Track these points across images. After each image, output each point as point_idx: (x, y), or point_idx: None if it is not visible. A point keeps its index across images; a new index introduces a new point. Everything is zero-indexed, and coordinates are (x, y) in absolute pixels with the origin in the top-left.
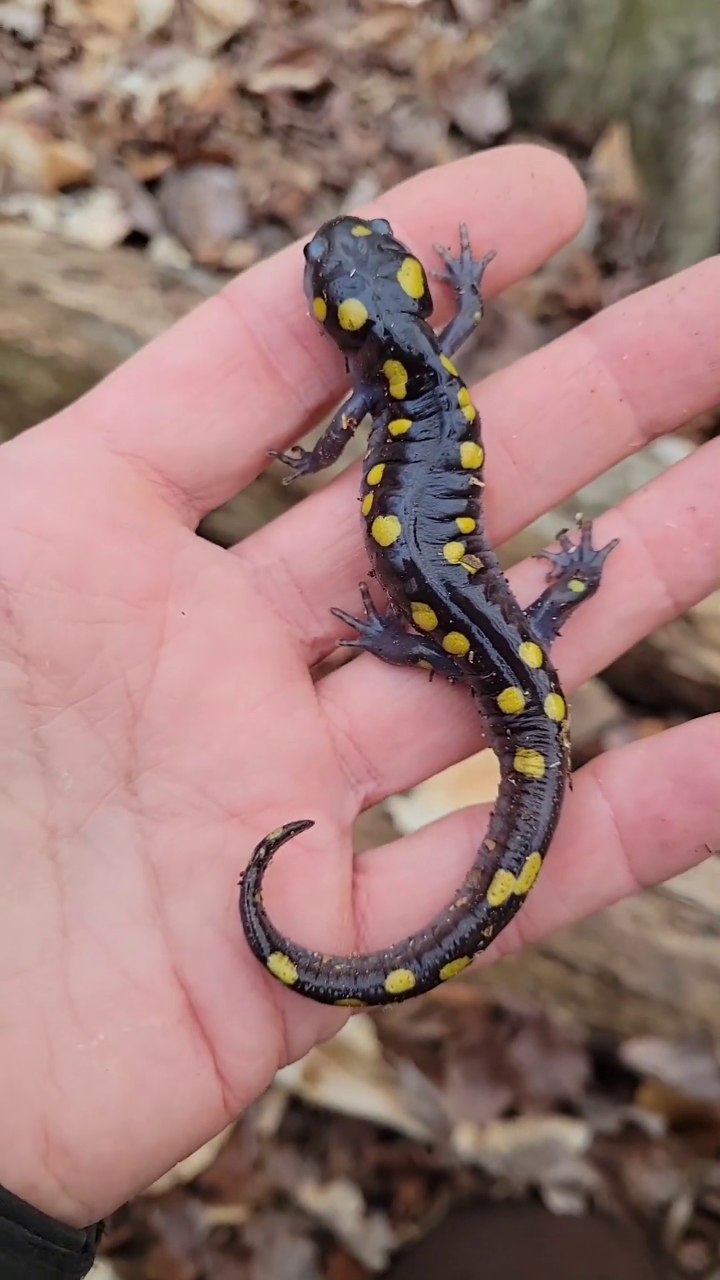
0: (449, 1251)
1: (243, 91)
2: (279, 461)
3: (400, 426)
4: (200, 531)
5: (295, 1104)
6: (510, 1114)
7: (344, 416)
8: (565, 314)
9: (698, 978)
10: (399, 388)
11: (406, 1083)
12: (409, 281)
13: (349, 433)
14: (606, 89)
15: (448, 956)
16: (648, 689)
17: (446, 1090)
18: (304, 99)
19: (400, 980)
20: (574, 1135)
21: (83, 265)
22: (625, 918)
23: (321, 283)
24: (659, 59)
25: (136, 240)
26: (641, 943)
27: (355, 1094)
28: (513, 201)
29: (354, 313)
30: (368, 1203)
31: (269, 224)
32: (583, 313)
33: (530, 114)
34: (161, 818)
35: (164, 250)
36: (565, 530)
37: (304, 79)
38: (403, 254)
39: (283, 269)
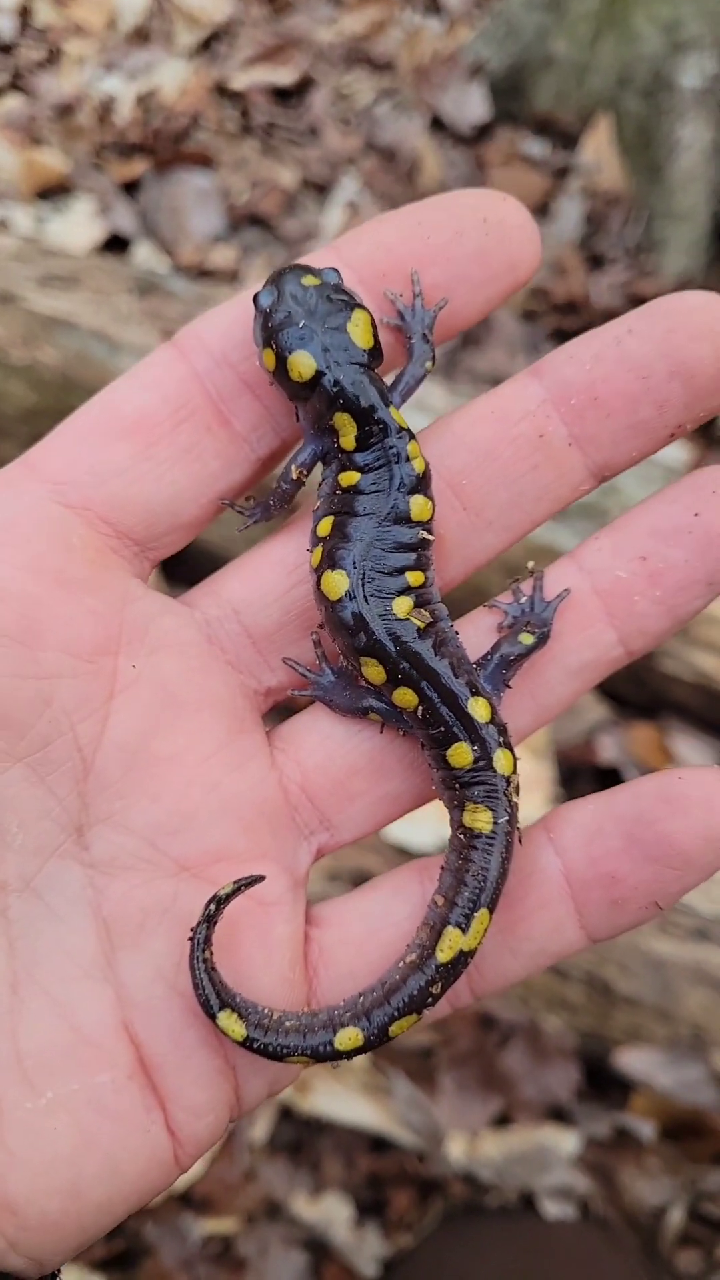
0: (442, 1260)
1: (222, 90)
2: (231, 511)
3: (349, 478)
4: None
5: (287, 1114)
6: (502, 1122)
7: (294, 467)
8: (552, 309)
9: (689, 983)
10: (348, 439)
11: (398, 1092)
12: (359, 332)
13: (299, 483)
14: (591, 77)
15: (396, 1014)
16: (638, 690)
17: (438, 1099)
18: (284, 96)
19: (349, 1038)
20: (566, 1142)
21: (59, 272)
22: None
23: (270, 333)
24: (644, 45)
25: (117, 245)
26: (632, 948)
27: (346, 1104)
28: (465, 247)
29: (303, 364)
30: (360, 1212)
31: (250, 225)
32: (569, 308)
33: (514, 105)
34: (113, 872)
35: (144, 254)
36: (516, 579)
37: (284, 76)
38: (352, 304)
39: (233, 316)
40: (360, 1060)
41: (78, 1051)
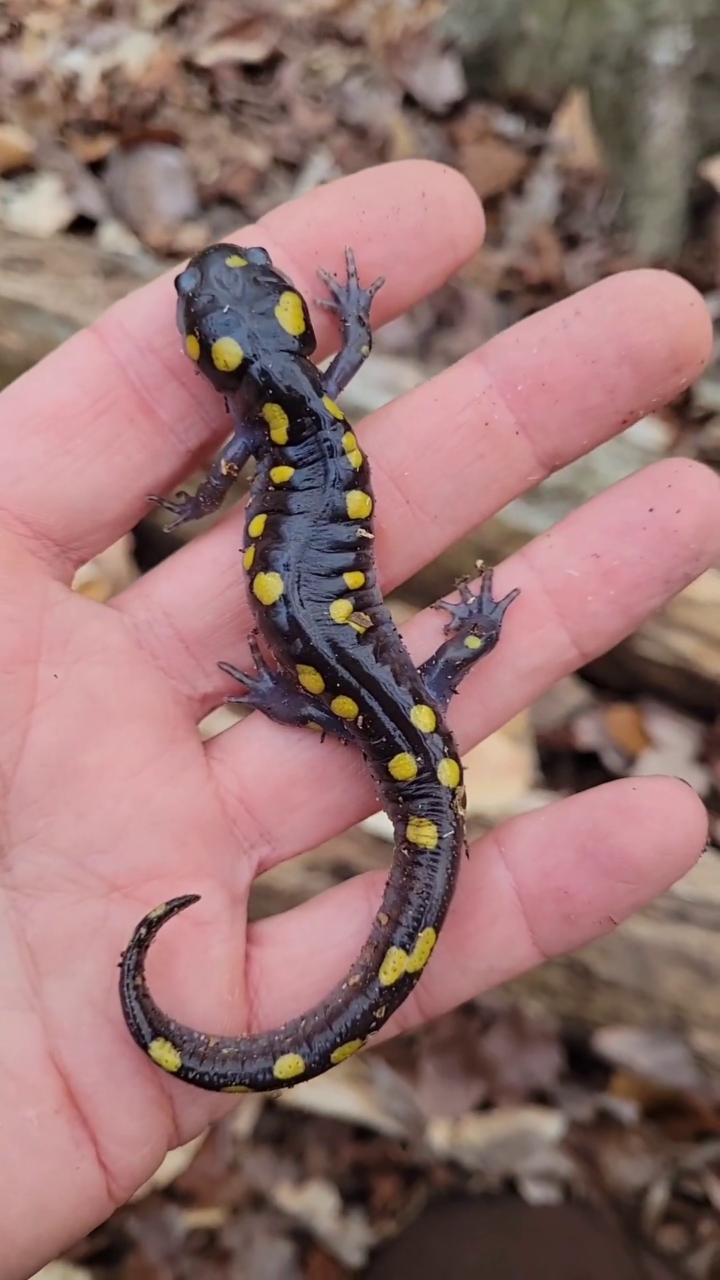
0: (426, 1247)
1: (189, 66)
2: (161, 508)
3: (282, 474)
4: (148, 526)
5: (270, 1105)
6: (485, 1107)
7: (224, 462)
8: (527, 289)
9: (668, 965)
10: (280, 432)
11: (380, 1080)
12: (288, 317)
13: (230, 478)
14: (564, 54)
15: (339, 1040)
16: (617, 673)
17: (420, 1086)
18: (253, 72)
19: (289, 1065)
20: (549, 1125)
21: (22, 254)
22: None
23: (193, 319)
24: (616, 21)
25: (84, 226)
26: (613, 932)
27: (329, 1093)
28: (403, 223)
29: (228, 352)
30: (345, 1201)
31: (220, 204)
32: (544, 288)
33: (487, 81)
34: (37, 894)
35: (112, 235)
36: (464, 579)
37: (252, 51)
38: (281, 286)
39: (156, 299)
40: None
41: (0, 1085)
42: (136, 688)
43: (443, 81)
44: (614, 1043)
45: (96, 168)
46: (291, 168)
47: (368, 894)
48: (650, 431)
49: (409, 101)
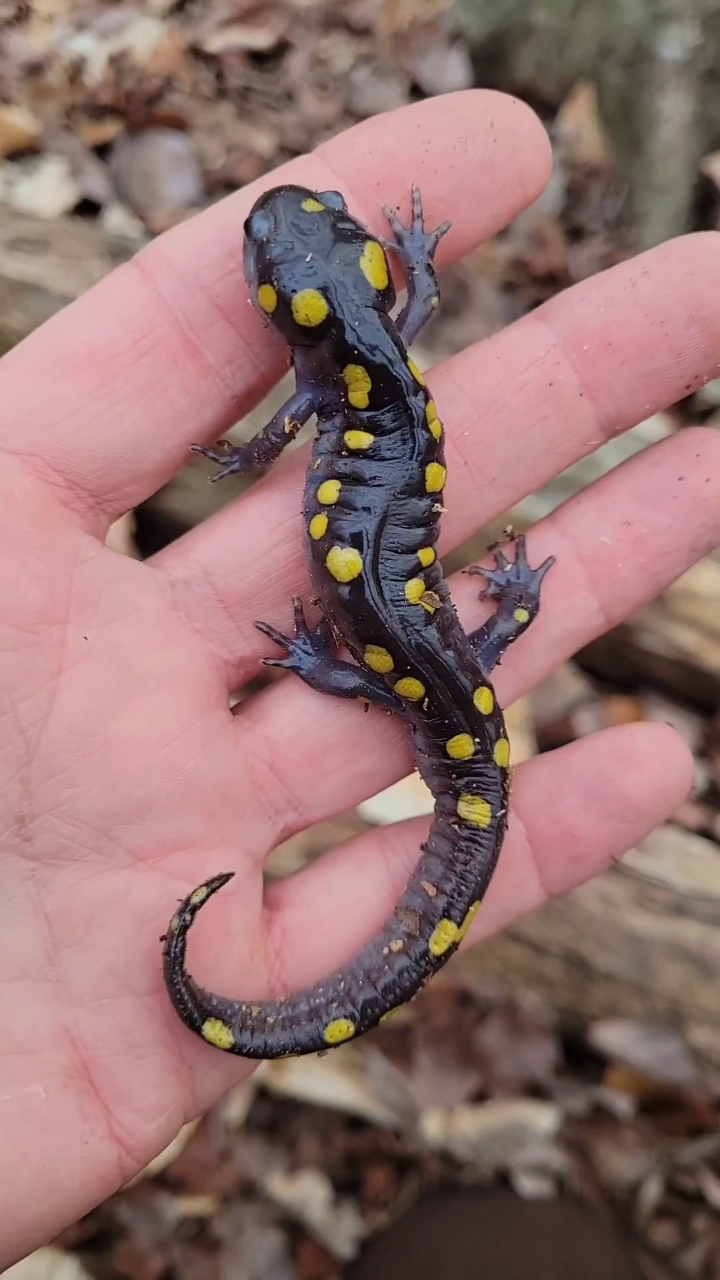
0: (416, 1238)
1: (196, 52)
2: (204, 458)
3: (359, 439)
4: (149, 509)
5: (263, 1094)
6: (479, 1099)
7: (286, 419)
8: (531, 281)
9: (666, 958)
10: (360, 396)
11: (374, 1070)
12: (372, 269)
13: (291, 436)
14: (572, 47)
15: (387, 1003)
16: (616, 665)
17: (414, 1076)
18: (260, 59)
19: (340, 1029)
20: (543, 1118)
21: (28, 235)
22: (593, 899)
23: (269, 267)
24: (625, 15)
25: (88, 209)
26: (609, 924)
27: (323, 1082)
28: (470, 155)
29: (310, 306)
30: (337, 1191)
31: (226, 190)
32: (548, 280)
33: (494, 74)
34: (59, 864)
35: (116, 219)
36: (496, 545)
37: (260, 38)
38: (364, 235)
39: (206, 231)
40: None
41: (8, 1060)
42: (170, 651)
43: (450, 72)
44: (610, 1036)
45: (102, 151)
46: (297, 155)
47: (383, 849)
48: (654, 424)
49: (416, 92)
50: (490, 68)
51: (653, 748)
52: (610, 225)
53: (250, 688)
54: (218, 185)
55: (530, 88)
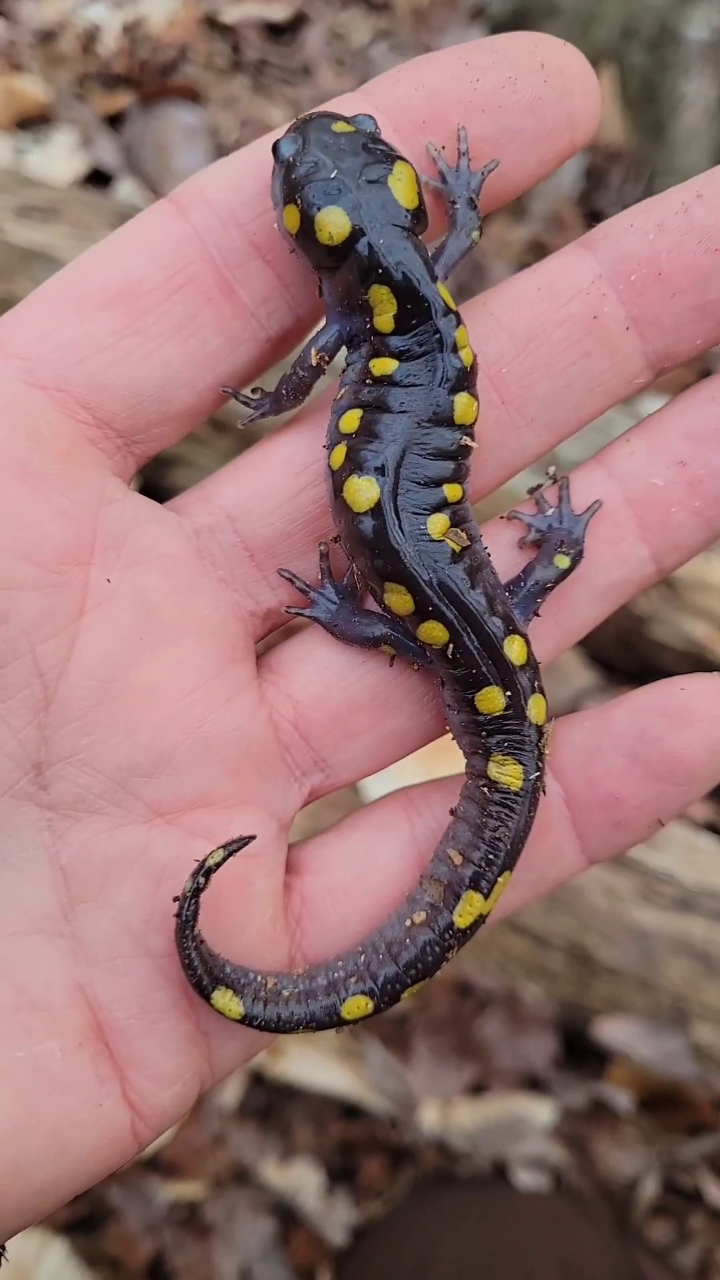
0: (410, 1229)
1: (212, 23)
2: (234, 401)
3: (383, 366)
4: (146, 488)
5: (258, 1079)
6: (477, 1090)
7: (314, 351)
8: None
9: (671, 953)
10: (385, 319)
11: (371, 1058)
12: (401, 188)
13: (319, 370)
14: (596, 28)
15: (409, 980)
16: (627, 656)
17: (412, 1066)
18: (277, 32)
19: (357, 1006)
20: (542, 1112)
21: (38, 203)
22: (598, 891)
23: (294, 186)
24: None
25: (99, 180)
26: (614, 917)
27: (319, 1069)
28: (520, 95)
29: (334, 224)
30: (331, 1179)
31: None
32: None
33: None
34: (75, 815)
35: (127, 190)
36: (539, 486)
37: (277, 11)
38: (394, 155)
39: (244, 167)
40: None
41: (21, 1016)
42: (194, 599)
43: None
44: (613, 1030)
45: (114, 121)
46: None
47: (407, 812)
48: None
49: None
50: None
51: (705, 703)
52: None
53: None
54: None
55: None
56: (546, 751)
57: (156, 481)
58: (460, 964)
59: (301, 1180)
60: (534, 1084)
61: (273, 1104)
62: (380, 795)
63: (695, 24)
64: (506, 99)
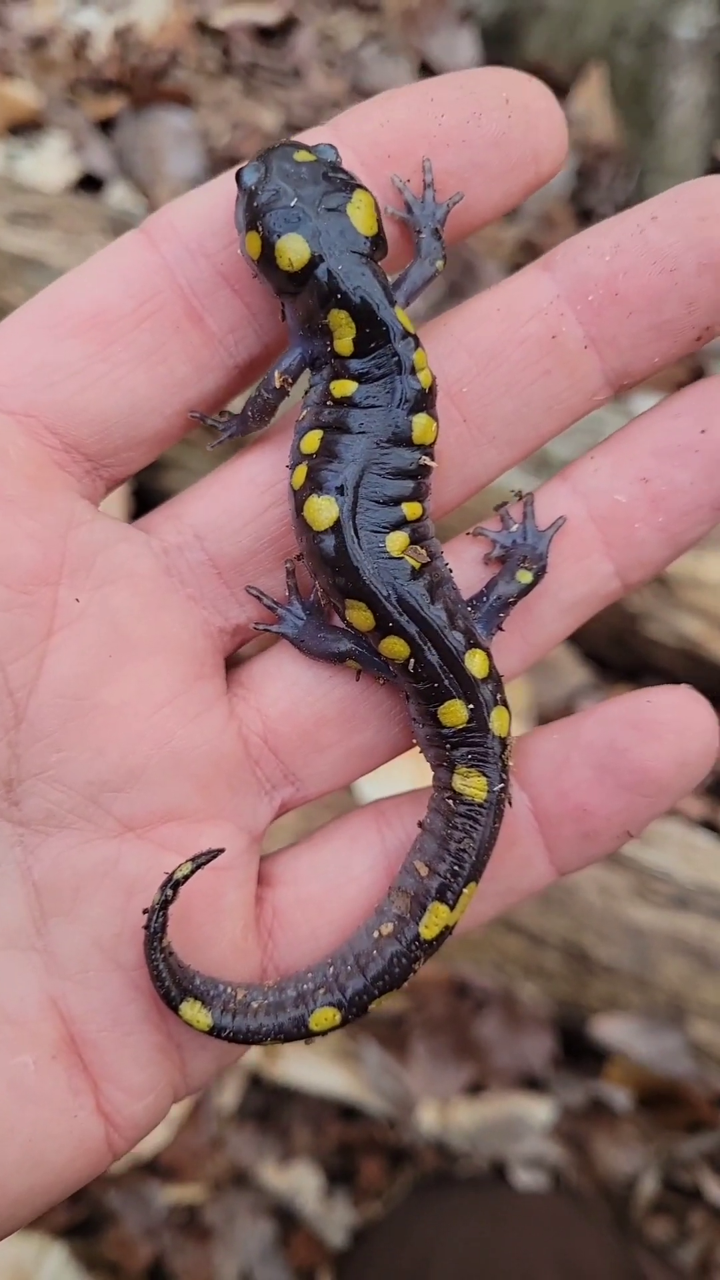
0: (410, 1230)
1: (203, 27)
2: (203, 425)
3: (343, 388)
4: (141, 491)
5: (256, 1082)
6: (475, 1090)
7: (277, 374)
8: None
9: (667, 952)
10: (344, 343)
11: (369, 1059)
12: (360, 216)
13: (283, 392)
14: (585, 27)
15: (376, 991)
16: (621, 654)
17: (410, 1066)
18: (267, 36)
19: (325, 1017)
20: (540, 1111)
21: (30, 209)
22: (593, 890)
23: (255, 214)
24: None
25: (90, 185)
26: (610, 916)
27: (317, 1071)
28: (484, 130)
29: (293, 250)
30: (330, 1181)
31: (230, 167)
32: None
33: (505, 53)
34: (47, 830)
35: (119, 195)
36: (504, 504)
37: (267, 14)
38: (353, 184)
39: (213, 199)
40: None
41: None
42: (163, 617)
43: (460, 51)
44: (610, 1029)
45: (106, 127)
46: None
47: (378, 824)
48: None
49: (425, 70)
50: (501, 47)
51: (672, 715)
52: (621, 208)
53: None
54: (222, 162)
55: (541, 67)
56: (510, 763)
57: (150, 485)
58: (456, 964)
59: (301, 1182)
60: (532, 1083)
61: (271, 1106)
62: (375, 799)
63: (683, 23)
64: (471, 134)
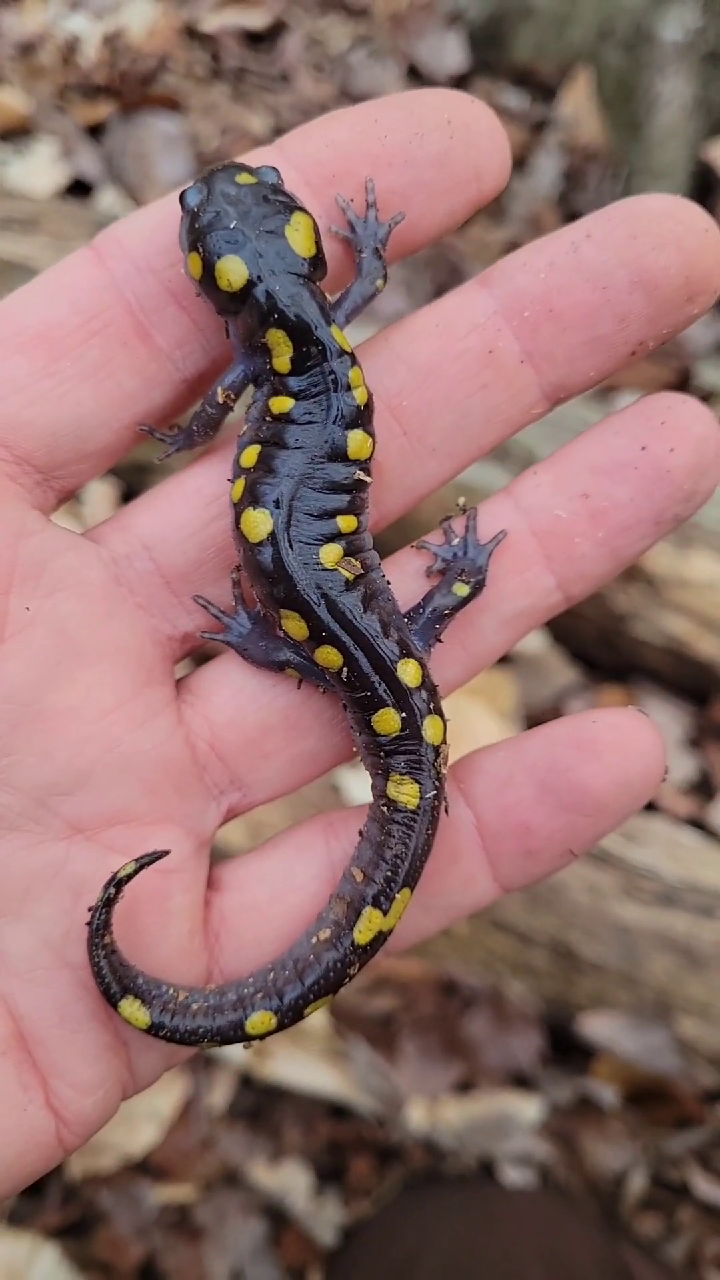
0: (399, 1228)
1: (191, 32)
2: (152, 439)
3: (281, 405)
4: (128, 494)
5: (246, 1081)
6: (464, 1088)
7: (220, 389)
8: None
9: (654, 949)
10: (282, 361)
11: (358, 1058)
12: (298, 238)
13: (226, 407)
14: (572, 29)
15: (311, 996)
16: (608, 654)
17: (399, 1065)
18: (256, 40)
19: (261, 1021)
20: (528, 1108)
21: (17, 215)
22: (580, 888)
23: (197, 235)
24: None
25: (80, 190)
26: (597, 914)
27: (306, 1070)
28: (426, 150)
29: (232, 271)
30: (320, 1179)
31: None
32: None
33: (492, 55)
34: None
35: (109, 200)
36: (448, 518)
37: (256, 19)
38: (292, 206)
39: (159, 218)
40: (320, 1025)
41: None
42: (112, 625)
43: (447, 54)
44: (597, 1026)
45: (95, 132)
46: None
47: (326, 835)
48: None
49: (413, 74)
50: (489, 49)
51: (614, 735)
52: None
53: (198, 660)
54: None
55: (529, 70)
56: (443, 771)
57: (140, 488)
58: (444, 962)
59: (291, 1181)
60: (520, 1081)
61: (261, 1105)
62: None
63: (669, 25)
64: (413, 153)
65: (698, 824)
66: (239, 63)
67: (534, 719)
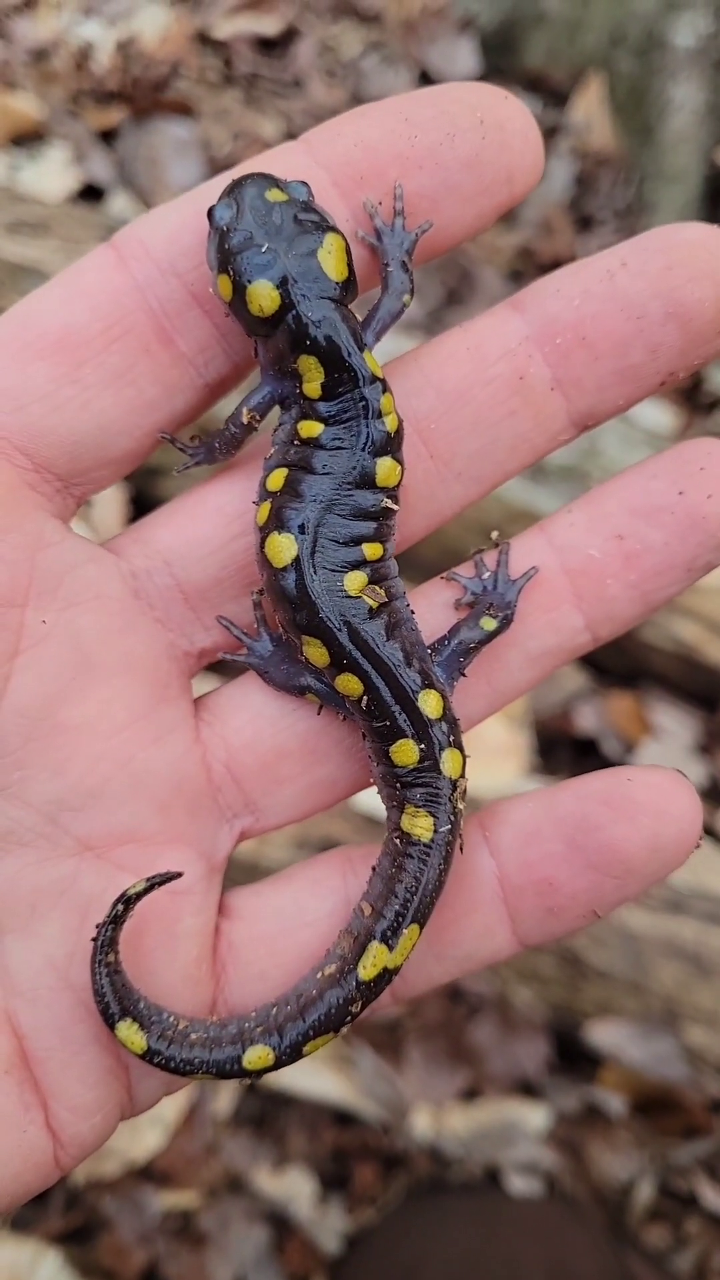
0: (403, 1236)
1: (204, 39)
2: (172, 447)
3: (310, 429)
4: (143, 496)
5: (251, 1087)
6: (470, 1096)
7: (245, 410)
8: (538, 270)
9: (661, 956)
10: (313, 386)
11: (363, 1064)
12: (331, 261)
13: (251, 428)
14: (584, 35)
15: (311, 1033)
16: (618, 659)
17: (404, 1072)
18: (268, 46)
19: (258, 1056)
20: (534, 1116)
21: (29, 218)
22: None
23: (227, 256)
24: (637, 2)
25: (92, 195)
26: (604, 921)
27: (311, 1076)
28: (458, 151)
29: (264, 297)
30: (324, 1186)
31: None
32: (555, 269)
33: (504, 61)
34: (5, 848)
35: (120, 204)
36: (480, 550)
37: (268, 25)
38: (324, 226)
39: (183, 218)
40: None
41: None
42: (129, 639)
43: (460, 60)
44: (604, 1033)
45: (108, 137)
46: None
47: (343, 870)
48: (659, 415)
49: (425, 79)
50: (500, 55)
51: (650, 796)
52: (620, 215)
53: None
54: (223, 172)
55: (541, 76)
56: (460, 806)
57: (149, 492)
58: None
59: (295, 1188)
60: (526, 1089)
61: (266, 1112)
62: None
63: (681, 31)
64: (444, 155)
65: (707, 831)
66: (251, 68)
67: (542, 724)
